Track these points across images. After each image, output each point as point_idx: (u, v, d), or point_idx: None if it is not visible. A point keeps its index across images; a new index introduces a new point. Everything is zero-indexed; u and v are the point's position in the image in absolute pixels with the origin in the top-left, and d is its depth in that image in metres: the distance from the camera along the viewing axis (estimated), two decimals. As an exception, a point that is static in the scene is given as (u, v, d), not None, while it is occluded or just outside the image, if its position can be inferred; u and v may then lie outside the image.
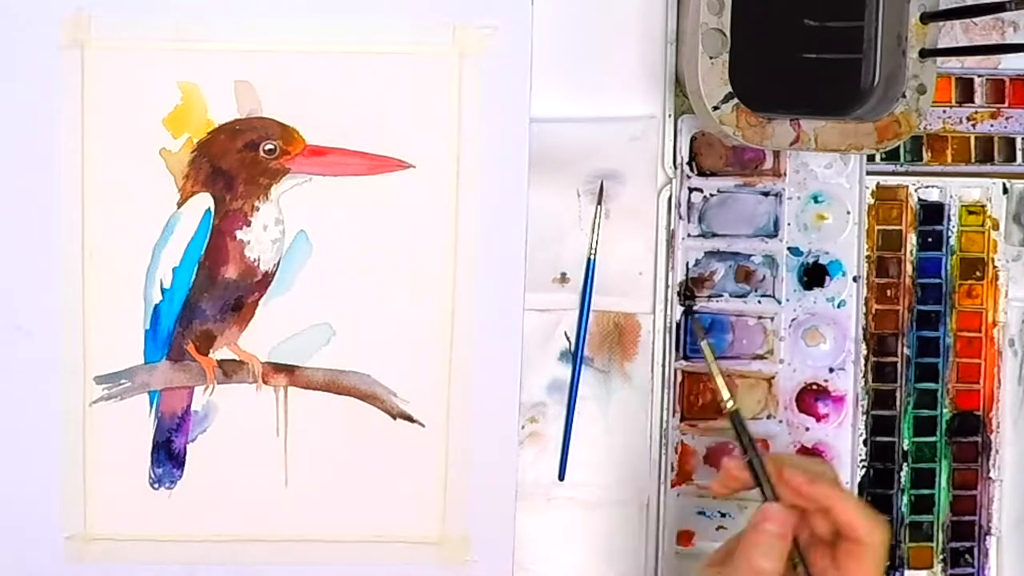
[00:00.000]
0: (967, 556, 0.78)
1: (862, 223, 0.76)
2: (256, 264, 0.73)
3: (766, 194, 0.76)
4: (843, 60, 0.73)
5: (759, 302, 0.76)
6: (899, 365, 0.77)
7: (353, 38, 0.72)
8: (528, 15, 0.72)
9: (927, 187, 0.77)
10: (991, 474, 0.77)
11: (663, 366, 0.76)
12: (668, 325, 0.76)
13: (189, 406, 0.74)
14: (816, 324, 0.76)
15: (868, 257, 0.76)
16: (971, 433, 0.77)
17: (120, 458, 0.73)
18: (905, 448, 0.77)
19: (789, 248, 0.76)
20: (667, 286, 0.75)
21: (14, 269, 0.72)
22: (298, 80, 0.72)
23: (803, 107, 0.71)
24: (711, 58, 0.68)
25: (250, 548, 0.74)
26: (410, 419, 0.74)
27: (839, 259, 0.76)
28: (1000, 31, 0.77)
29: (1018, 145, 0.77)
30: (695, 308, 0.75)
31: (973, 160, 0.77)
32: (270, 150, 0.72)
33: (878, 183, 0.77)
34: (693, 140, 0.75)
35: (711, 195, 0.75)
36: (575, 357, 0.75)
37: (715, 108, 0.68)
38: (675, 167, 0.75)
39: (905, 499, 0.77)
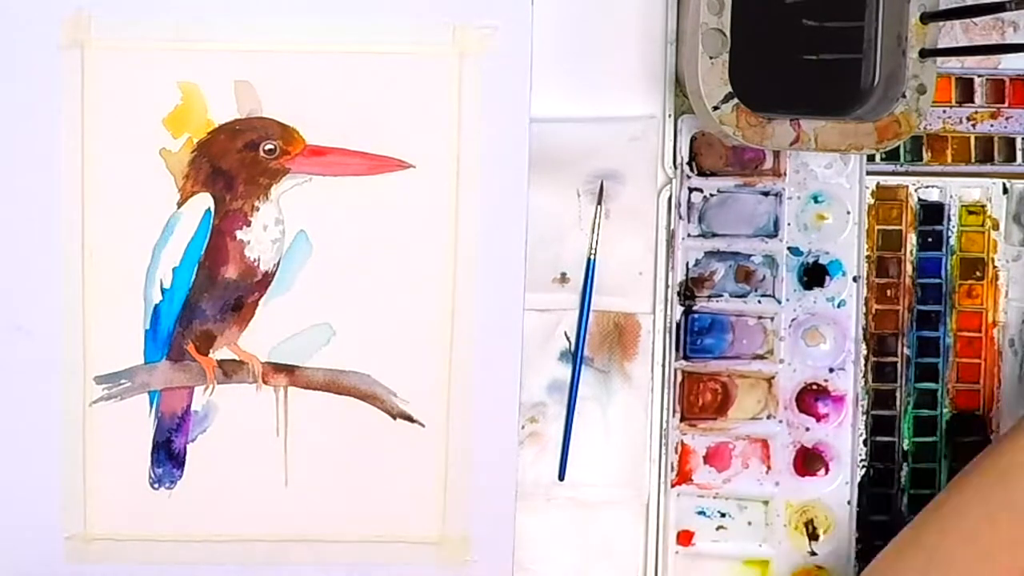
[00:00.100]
0: (967, 556, 0.78)
1: (862, 223, 0.76)
2: (256, 264, 0.73)
3: (766, 194, 0.76)
4: (843, 60, 0.73)
5: (759, 302, 0.76)
6: (899, 365, 0.77)
7: (353, 38, 0.72)
8: (528, 15, 0.72)
9: (927, 187, 0.77)
10: (991, 474, 0.77)
11: (663, 366, 0.76)
12: (668, 325, 0.76)
13: (189, 406, 0.74)
14: (816, 324, 0.76)
15: (868, 257, 0.76)
16: (971, 433, 0.77)
17: (120, 458, 0.74)
18: (905, 448, 0.77)
19: (789, 248, 0.76)
20: (667, 286, 0.75)
21: (14, 269, 0.72)
22: (298, 80, 0.72)
23: (803, 107, 0.71)
24: (711, 58, 0.68)
25: (250, 548, 0.74)
26: (410, 419, 0.74)
27: (839, 259, 0.76)
28: (1000, 31, 0.77)
29: (1018, 145, 0.77)
30: (695, 308, 0.75)
31: (973, 160, 0.77)
32: (270, 150, 0.72)
33: (878, 183, 0.77)
34: (693, 140, 0.75)
35: (711, 195, 0.75)
36: (575, 357, 0.75)
37: (715, 108, 0.68)
38: (675, 167, 0.75)
39: (905, 499, 0.77)
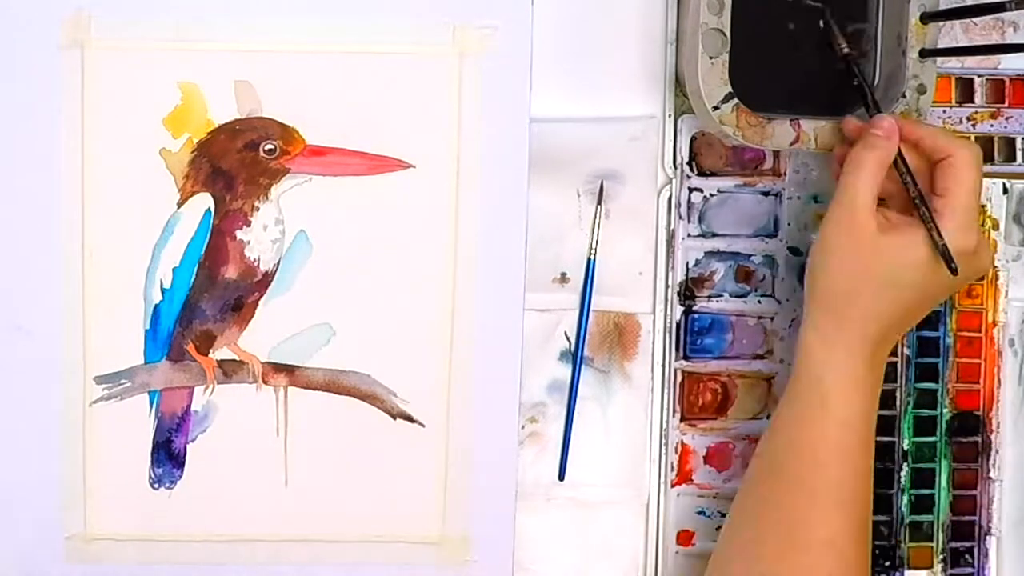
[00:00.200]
0: (967, 556, 0.78)
1: (862, 223, 0.76)
2: (256, 264, 0.73)
3: (766, 194, 0.76)
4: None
5: (759, 302, 0.76)
6: (899, 365, 0.77)
7: (353, 38, 0.72)
8: (528, 15, 0.72)
9: (927, 187, 0.77)
10: (991, 474, 0.77)
11: (663, 366, 0.76)
12: (668, 325, 0.76)
13: (189, 406, 0.74)
14: (816, 324, 0.76)
15: (868, 257, 0.76)
16: (971, 433, 0.77)
17: (120, 458, 0.73)
18: (905, 448, 0.77)
19: (789, 248, 0.76)
20: (667, 286, 0.75)
21: (14, 269, 0.72)
22: (298, 80, 0.72)
23: (803, 107, 0.71)
24: (711, 58, 0.68)
25: (250, 548, 0.74)
26: (410, 419, 0.74)
27: (839, 259, 0.76)
28: (1000, 31, 0.77)
29: (1018, 145, 0.77)
30: (695, 308, 0.75)
31: (973, 160, 0.77)
32: (270, 150, 0.72)
33: (878, 183, 0.76)
34: (693, 140, 0.75)
35: (711, 195, 0.75)
36: (575, 357, 0.75)
37: (715, 108, 0.68)
38: (675, 167, 0.75)
39: (905, 499, 0.77)
